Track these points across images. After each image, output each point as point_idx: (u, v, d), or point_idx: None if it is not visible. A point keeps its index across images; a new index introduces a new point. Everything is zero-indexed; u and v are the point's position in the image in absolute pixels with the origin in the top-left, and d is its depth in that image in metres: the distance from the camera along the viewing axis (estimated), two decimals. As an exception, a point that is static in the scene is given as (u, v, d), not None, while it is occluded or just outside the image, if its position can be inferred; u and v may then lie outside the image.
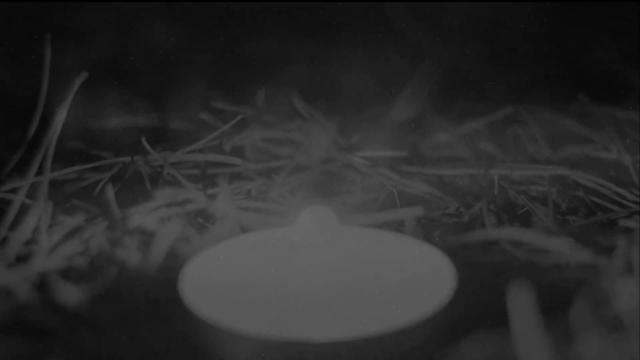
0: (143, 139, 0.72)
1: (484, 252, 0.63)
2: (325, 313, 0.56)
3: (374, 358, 0.53)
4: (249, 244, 0.63)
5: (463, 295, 0.56)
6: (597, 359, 0.52)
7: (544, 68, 0.90)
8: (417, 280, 0.59)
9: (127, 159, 0.72)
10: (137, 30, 1.01)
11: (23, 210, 0.63)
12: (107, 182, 0.70)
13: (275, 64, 0.96)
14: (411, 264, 0.60)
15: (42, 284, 0.59)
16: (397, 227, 0.66)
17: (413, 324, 0.53)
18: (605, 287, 0.56)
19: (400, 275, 0.60)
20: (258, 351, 0.53)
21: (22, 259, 0.61)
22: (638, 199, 0.68)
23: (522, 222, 0.67)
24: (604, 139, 0.74)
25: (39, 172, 0.64)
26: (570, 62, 0.92)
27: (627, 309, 0.54)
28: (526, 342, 0.52)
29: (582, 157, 0.74)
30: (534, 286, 0.53)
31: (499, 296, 0.54)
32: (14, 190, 0.66)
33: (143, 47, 0.98)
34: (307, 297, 0.58)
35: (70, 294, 0.58)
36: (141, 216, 0.64)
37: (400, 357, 0.54)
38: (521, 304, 0.52)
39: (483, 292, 0.58)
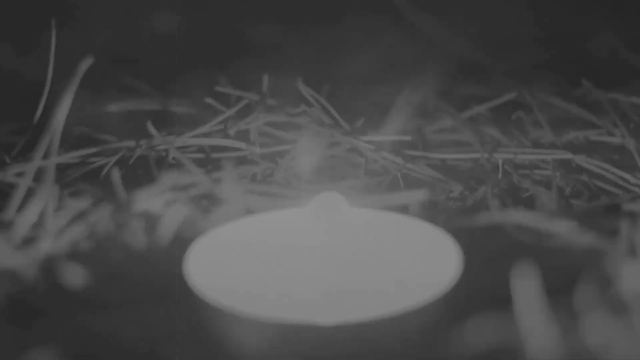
0: (148, 123, 0.73)
1: (489, 235, 0.63)
2: (330, 296, 0.57)
3: (378, 341, 0.53)
4: (255, 226, 0.63)
5: (468, 278, 0.57)
6: (600, 340, 0.52)
7: (548, 53, 0.91)
8: (423, 262, 0.59)
9: (132, 143, 0.72)
10: (140, 14, 1.01)
11: (29, 193, 0.63)
12: (113, 166, 0.70)
13: (279, 48, 0.97)
14: (417, 246, 0.61)
15: (48, 267, 0.60)
16: (402, 210, 0.66)
17: (418, 306, 0.54)
18: (608, 270, 0.56)
19: (406, 257, 0.60)
20: (262, 334, 0.53)
21: (28, 241, 0.61)
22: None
23: (526, 206, 0.68)
24: (607, 123, 0.74)
25: (45, 156, 0.64)
26: (574, 46, 0.92)
27: (630, 291, 0.55)
28: (530, 324, 0.52)
29: (586, 142, 0.74)
30: (538, 268, 0.53)
31: (503, 278, 0.55)
32: (20, 174, 0.66)
33: (147, 31, 0.99)
34: (313, 280, 0.58)
35: (75, 277, 0.59)
36: (147, 199, 0.64)
37: (405, 340, 0.54)
38: (525, 285, 0.53)
39: (488, 274, 0.58)
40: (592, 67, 0.88)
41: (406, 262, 0.60)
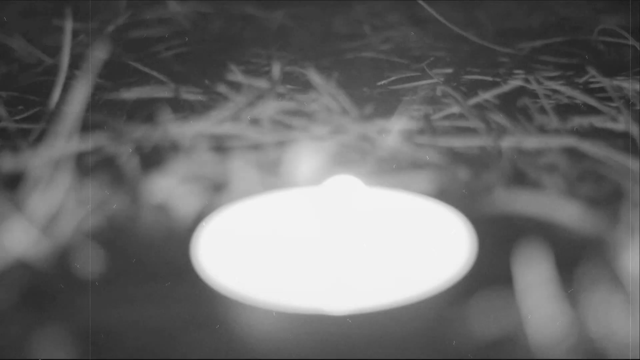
0: (160, 110, 0.73)
1: (499, 218, 0.64)
2: (341, 284, 0.56)
3: (391, 330, 0.53)
4: (265, 209, 0.63)
5: (481, 264, 0.57)
6: (604, 318, 0.53)
7: (552, 39, 0.91)
8: (436, 247, 0.58)
9: (145, 128, 0.73)
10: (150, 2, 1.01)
11: (45, 182, 0.64)
12: (128, 153, 0.71)
13: (290, 33, 0.97)
14: (430, 229, 0.60)
15: (64, 256, 0.61)
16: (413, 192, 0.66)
17: (430, 295, 0.53)
18: (612, 252, 0.58)
19: (421, 240, 0.59)
20: (272, 323, 0.53)
21: (45, 230, 0.62)
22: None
23: (532, 192, 0.68)
24: (611, 110, 0.75)
25: (60, 143, 0.65)
26: (579, 33, 0.93)
27: (632, 272, 0.56)
28: (536, 303, 0.53)
29: (590, 128, 0.75)
30: (546, 249, 0.54)
31: (514, 261, 0.56)
32: (36, 161, 0.67)
33: (158, 18, 0.99)
34: (324, 266, 0.58)
35: (92, 266, 0.60)
36: (160, 186, 0.65)
37: (417, 329, 0.54)
38: (534, 265, 0.54)
39: (500, 258, 0.58)
40: (597, 53, 0.89)
41: (419, 247, 0.59)
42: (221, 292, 0.54)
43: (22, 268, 0.59)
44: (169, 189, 0.65)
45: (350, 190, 0.61)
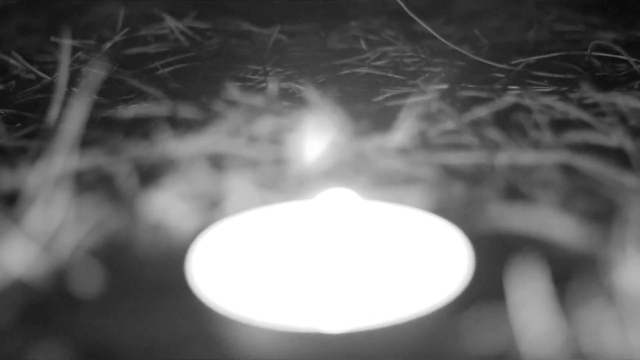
0: (156, 127, 0.74)
1: (495, 233, 0.64)
2: (337, 301, 0.56)
3: (388, 348, 0.52)
4: (263, 220, 0.62)
5: (479, 279, 0.56)
6: (597, 334, 0.54)
7: (547, 55, 0.92)
8: (433, 262, 0.58)
9: (142, 146, 0.73)
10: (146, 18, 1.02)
11: (43, 200, 0.64)
12: (126, 170, 0.71)
13: (285, 50, 0.98)
14: (427, 244, 0.60)
15: (62, 274, 0.61)
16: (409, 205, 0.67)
17: (429, 312, 0.52)
18: (605, 268, 0.58)
19: (417, 256, 0.59)
20: (267, 341, 0.52)
21: (44, 248, 0.62)
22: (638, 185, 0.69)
23: (526, 206, 0.69)
24: (605, 125, 0.75)
25: (58, 161, 0.66)
26: (573, 48, 0.93)
27: (624, 288, 0.56)
28: (530, 319, 0.54)
29: (584, 144, 0.75)
30: (540, 264, 0.55)
31: (511, 274, 0.56)
32: (33, 179, 0.67)
33: (154, 34, 1.00)
34: (320, 283, 0.58)
35: (89, 284, 0.60)
36: (157, 202, 0.65)
37: (413, 347, 0.53)
38: (528, 281, 0.54)
39: (496, 275, 0.58)
40: (590, 68, 0.89)
41: (417, 260, 0.59)
42: (216, 310, 0.54)
43: (20, 287, 0.59)
44: (166, 206, 0.66)
45: (346, 204, 0.60)
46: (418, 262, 0.59)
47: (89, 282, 0.60)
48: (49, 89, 0.81)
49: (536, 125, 0.77)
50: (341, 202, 0.61)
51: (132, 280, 0.61)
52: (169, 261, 0.62)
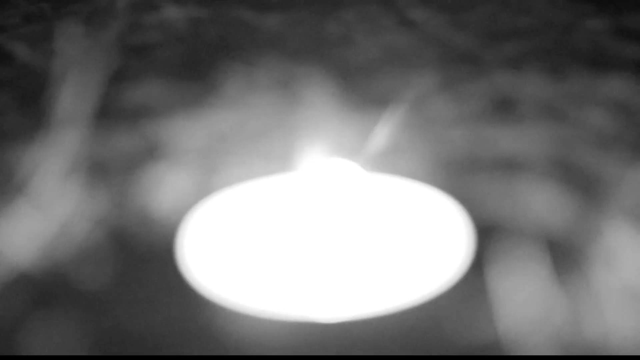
0: (154, 115, 0.74)
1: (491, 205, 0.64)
2: (333, 288, 0.54)
3: (382, 337, 0.51)
4: (259, 194, 0.60)
5: (477, 268, 0.55)
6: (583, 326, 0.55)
7: (538, 42, 0.92)
8: (433, 244, 0.56)
9: (138, 133, 0.75)
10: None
11: (48, 192, 0.65)
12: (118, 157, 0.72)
13: (283, 38, 0.98)
14: (427, 220, 0.57)
15: (61, 270, 0.61)
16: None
17: (427, 300, 0.51)
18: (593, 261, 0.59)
19: (416, 236, 0.57)
20: (260, 330, 0.51)
21: (48, 243, 0.62)
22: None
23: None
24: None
25: (60, 150, 0.67)
26: (565, 35, 0.94)
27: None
28: (519, 308, 0.54)
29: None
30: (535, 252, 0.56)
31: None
32: (35, 171, 0.68)
33: (154, 23, 1.00)
34: (315, 266, 0.56)
35: (90, 279, 0.60)
36: (149, 187, 0.66)
37: (410, 335, 0.51)
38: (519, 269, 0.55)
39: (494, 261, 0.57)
40: (581, 56, 0.90)
41: (416, 242, 0.56)
42: (209, 298, 0.53)
43: (25, 281, 0.59)
44: (159, 191, 0.67)
45: (347, 175, 0.58)
46: (417, 240, 0.57)
47: (90, 276, 0.60)
48: (52, 77, 0.81)
49: (529, 112, 0.77)
50: (342, 173, 0.58)
51: (120, 269, 0.60)
52: (159, 248, 0.60)
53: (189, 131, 0.74)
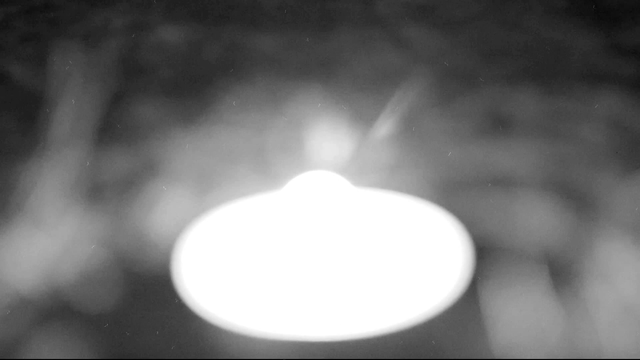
0: (152, 135, 0.75)
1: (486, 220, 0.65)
2: (329, 308, 0.53)
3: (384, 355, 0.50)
4: (251, 212, 0.60)
5: (474, 287, 0.55)
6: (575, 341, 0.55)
7: (531, 61, 0.93)
8: (430, 260, 0.55)
9: (136, 153, 0.75)
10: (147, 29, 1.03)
11: (47, 215, 0.65)
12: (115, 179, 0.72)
13: (278, 60, 0.98)
14: (423, 236, 0.57)
15: (62, 294, 0.61)
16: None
17: (427, 318, 0.51)
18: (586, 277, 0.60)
19: (411, 253, 0.56)
20: (257, 349, 0.51)
21: (49, 266, 0.62)
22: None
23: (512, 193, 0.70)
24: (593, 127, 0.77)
25: (59, 170, 0.67)
26: (559, 53, 0.95)
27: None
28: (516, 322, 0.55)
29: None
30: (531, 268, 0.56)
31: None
32: (35, 191, 0.68)
33: (152, 43, 1.01)
34: (308, 285, 0.55)
35: (92, 302, 0.60)
36: (145, 208, 0.66)
37: (412, 353, 0.51)
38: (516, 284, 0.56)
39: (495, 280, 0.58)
40: (574, 74, 0.91)
41: (412, 258, 0.56)
42: (202, 317, 0.53)
43: (25, 305, 0.59)
44: (155, 212, 0.67)
45: (343, 193, 0.58)
46: (412, 256, 0.56)
47: (90, 299, 0.60)
48: (48, 98, 0.81)
49: (524, 128, 0.78)
50: (329, 187, 0.58)
51: (117, 292, 0.60)
52: (156, 267, 0.60)
53: (186, 150, 0.74)
